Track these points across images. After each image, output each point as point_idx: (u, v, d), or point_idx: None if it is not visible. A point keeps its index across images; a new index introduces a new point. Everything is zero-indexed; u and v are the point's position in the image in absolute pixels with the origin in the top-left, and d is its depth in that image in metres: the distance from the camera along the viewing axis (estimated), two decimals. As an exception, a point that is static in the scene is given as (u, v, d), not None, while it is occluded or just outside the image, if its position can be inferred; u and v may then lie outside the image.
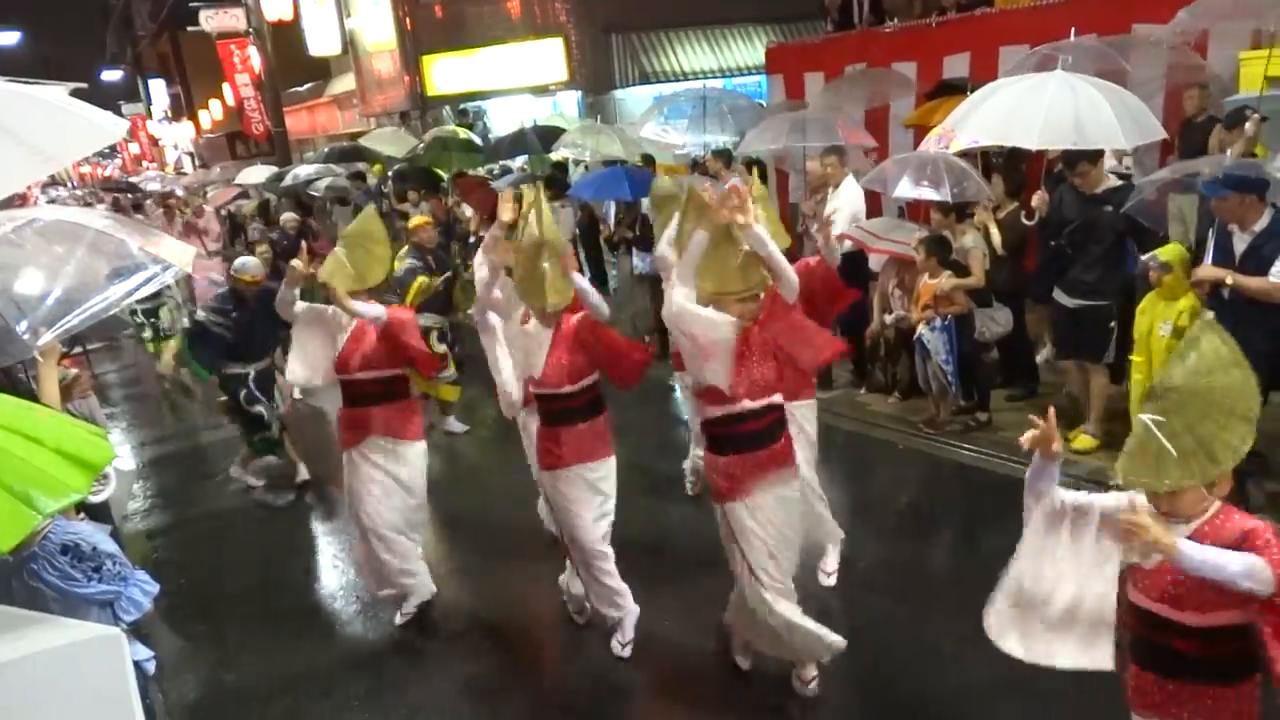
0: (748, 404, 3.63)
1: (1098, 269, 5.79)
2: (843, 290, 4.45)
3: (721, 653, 4.25)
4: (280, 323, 6.72)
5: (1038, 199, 6.06)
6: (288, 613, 5.27)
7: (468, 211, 10.51)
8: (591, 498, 4.25)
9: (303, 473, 7.05)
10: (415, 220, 7.84)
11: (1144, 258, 5.46)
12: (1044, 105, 5.36)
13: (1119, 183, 5.94)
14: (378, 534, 4.72)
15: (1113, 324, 5.85)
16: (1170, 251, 5.40)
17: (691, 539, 5.56)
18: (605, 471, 4.31)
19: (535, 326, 4.15)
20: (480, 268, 4.05)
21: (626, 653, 4.33)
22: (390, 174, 14.16)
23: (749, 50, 17.48)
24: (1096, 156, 5.77)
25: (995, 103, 5.67)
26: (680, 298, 3.49)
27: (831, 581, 4.78)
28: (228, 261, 10.38)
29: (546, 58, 17.29)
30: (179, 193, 17.40)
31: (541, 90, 17.74)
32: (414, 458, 4.80)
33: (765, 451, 3.70)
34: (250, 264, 6.83)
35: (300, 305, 4.75)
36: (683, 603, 4.68)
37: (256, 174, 17.53)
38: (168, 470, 8.01)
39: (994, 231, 6.50)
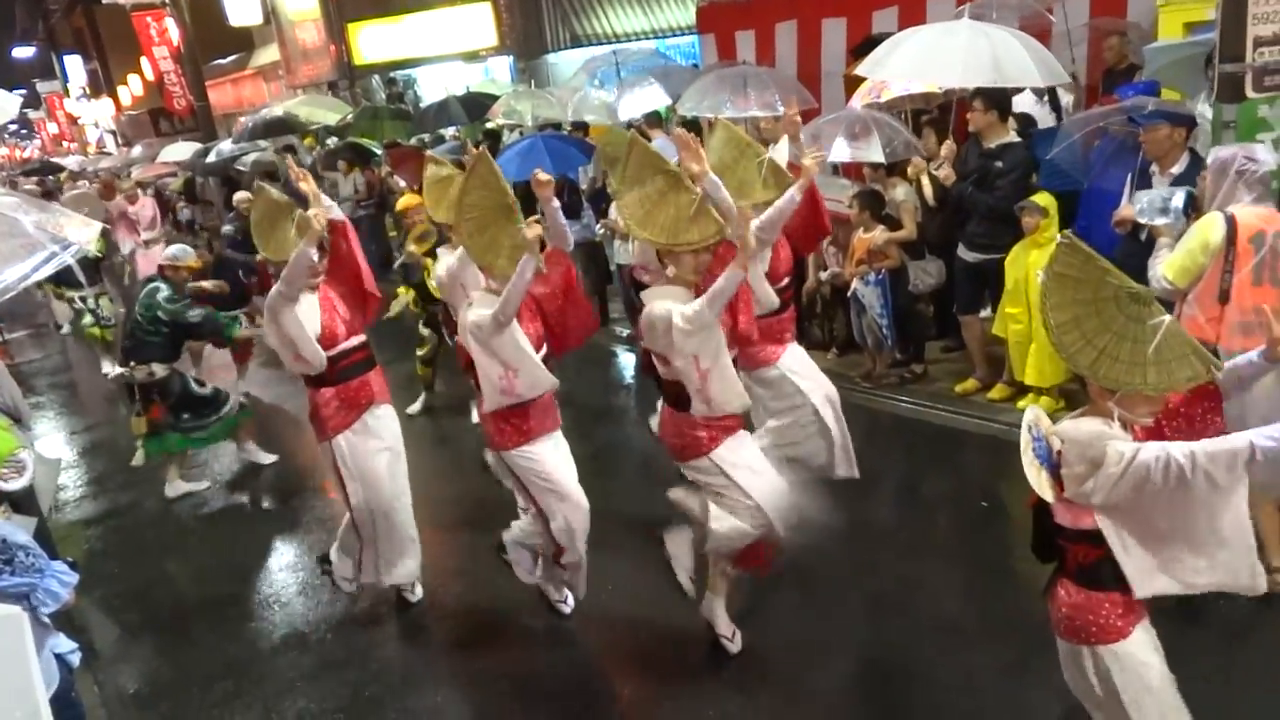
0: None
1: (991, 222, 5.89)
2: (822, 219, 4.56)
3: (674, 619, 4.25)
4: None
5: (945, 149, 6.13)
6: (225, 597, 5.17)
7: (401, 183, 10.30)
8: (566, 463, 4.10)
9: (262, 456, 6.91)
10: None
11: (1019, 205, 5.60)
12: (960, 46, 5.48)
13: (1015, 139, 6.01)
14: (393, 509, 4.46)
15: None
16: (1044, 197, 5.57)
17: (641, 507, 5.58)
18: (561, 439, 4.17)
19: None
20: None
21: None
22: (321, 146, 13.84)
23: (681, 10, 17.25)
24: (994, 102, 5.80)
25: (910, 46, 5.75)
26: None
27: None
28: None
29: (475, 22, 16.93)
30: (100, 171, 16.73)
31: (472, 56, 17.40)
32: (396, 419, 4.61)
33: None
34: (189, 251, 6.57)
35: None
36: (635, 570, 4.65)
37: (180, 151, 16.99)
38: (100, 458, 7.79)
39: (926, 184, 6.54)
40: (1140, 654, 2.57)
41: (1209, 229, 3.83)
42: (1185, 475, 2.27)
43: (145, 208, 12.49)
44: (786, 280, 4.60)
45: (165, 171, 17.36)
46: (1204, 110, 5.32)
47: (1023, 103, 6.92)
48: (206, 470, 6.93)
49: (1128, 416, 2.44)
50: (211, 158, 14.30)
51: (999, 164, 5.80)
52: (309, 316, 4.22)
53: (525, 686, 4.10)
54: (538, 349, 3.92)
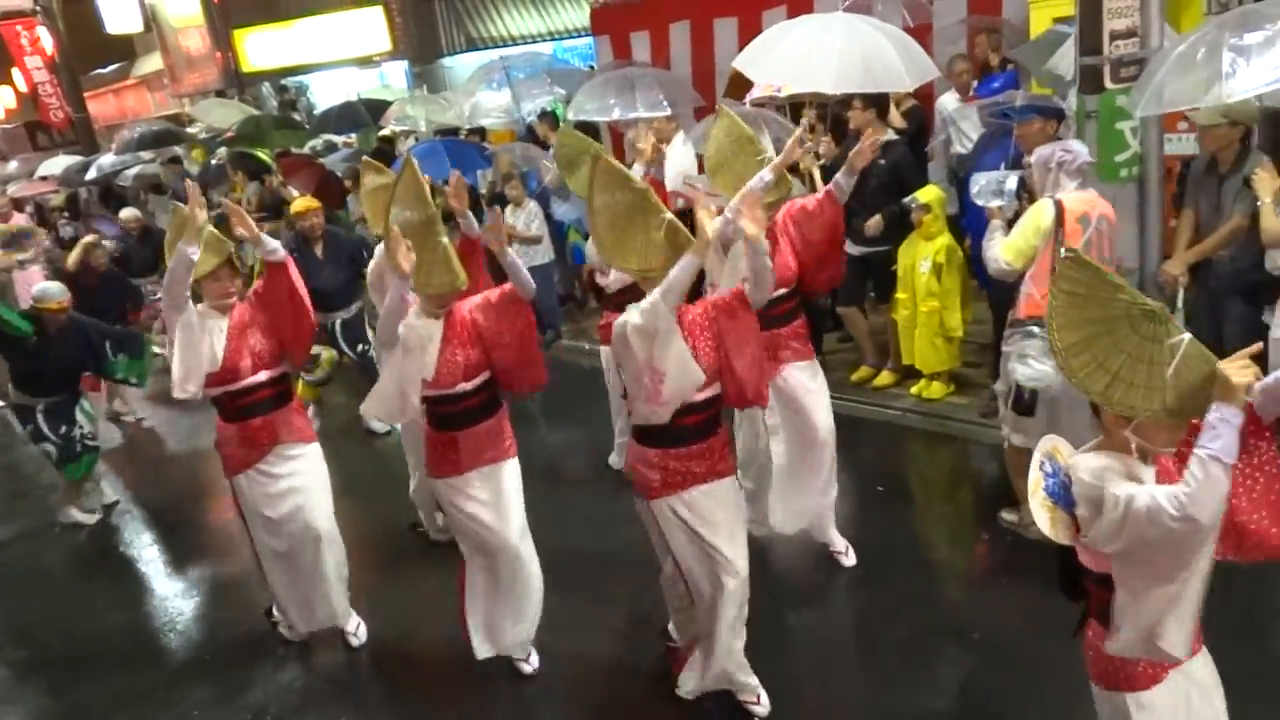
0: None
1: (873, 217, 6.05)
2: (838, 260, 4.48)
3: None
4: (87, 357, 6.13)
5: (824, 148, 6.27)
6: (116, 629, 4.96)
7: (294, 192, 10.04)
8: (492, 507, 3.83)
9: (109, 494, 6.58)
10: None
11: (905, 200, 5.81)
12: (835, 49, 5.28)
13: (893, 136, 6.15)
14: (299, 554, 4.18)
15: (894, 267, 6.15)
16: (929, 193, 5.83)
17: (545, 515, 5.55)
18: (507, 472, 3.91)
19: (420, 320, 3.62)
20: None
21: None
22: (210, 157, 13.37)
23: (576, 12, 17.27)
24: (872, 101, 5.85)
25: (786, 47, 5.54)
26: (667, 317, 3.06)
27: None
28: (52, 264, 9.63)
29: (368, 27, 16.65)
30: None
31: (366, 61, 17.09)
32: (319, 459, 4.29)
33: (703, 444, 3.37)
34: (53, 289, 6.07)
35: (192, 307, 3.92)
36: (591, 603, 4.54)
37: (60, 165, 16.22)
38: (-23, 492, 7.40)
39: (818, 178, 6.66)
40: (1167, 711, 2.30)
41: (1040, 214, 4.13)
42: (1179, 514, 1.98)
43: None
44: (785, 291, 4.21)
45: (46, 189, 16.55)
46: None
47: (948, 101, 7.07)
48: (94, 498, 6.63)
49: (1147, 447, 2.18)
50: (91, 173, 13.65)
51: (880, 161, 5.95)
52: (209, 343, 3.93)
53: (434, 705, 4.04)
54: (473, 376, 3.72)
